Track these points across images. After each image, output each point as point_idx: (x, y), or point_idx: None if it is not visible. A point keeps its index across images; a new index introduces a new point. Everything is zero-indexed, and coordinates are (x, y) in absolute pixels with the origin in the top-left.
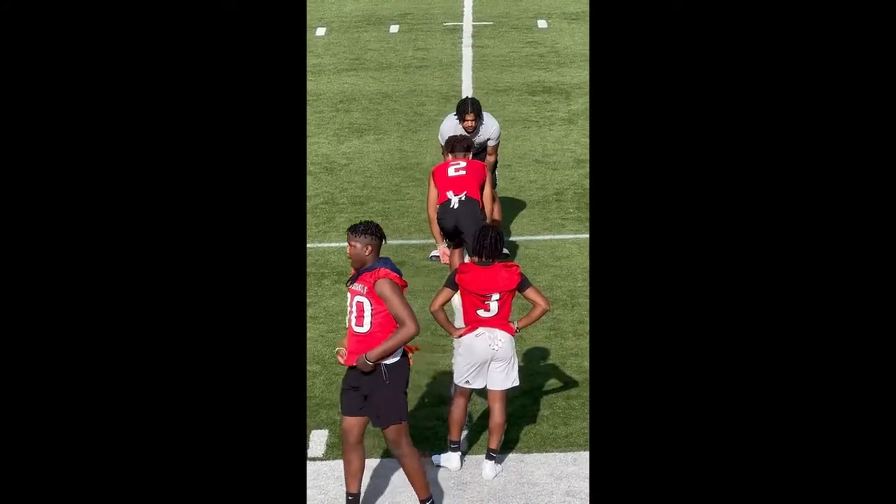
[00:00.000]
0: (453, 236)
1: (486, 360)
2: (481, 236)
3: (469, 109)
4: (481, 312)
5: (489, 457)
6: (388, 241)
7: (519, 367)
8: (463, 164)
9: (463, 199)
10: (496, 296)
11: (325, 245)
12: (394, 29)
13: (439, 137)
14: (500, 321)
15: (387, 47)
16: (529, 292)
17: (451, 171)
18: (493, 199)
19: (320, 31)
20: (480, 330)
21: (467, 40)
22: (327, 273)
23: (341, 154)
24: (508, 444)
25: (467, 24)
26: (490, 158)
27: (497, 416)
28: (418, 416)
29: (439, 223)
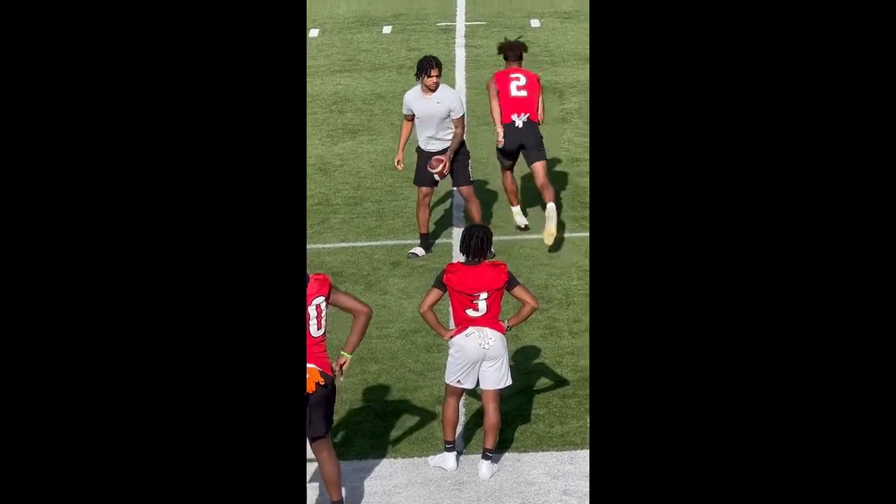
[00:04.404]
0: (514, 156)
1: (477, 360)
2: (467, 236)
3: (434, 65)
4: (470, 312)
5: (485, 456)
6: (382, 242)
7: (514, 365)
8: (523, 80)
9: (526, 120)
10: (484, 295)
11: (320, 246)
12: (387, 30)
13: (404, 109)
14: (489, 320)
15: (380, 48)
16: (517, 291)
17: (513, 90)
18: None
19: (313, 33)
20: (470, 330)
21: (460, 40)
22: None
23: (335, 155)
24: (505, 444)
25: (460, 24)
26: (458, 131)
27: (491, 416)
28: (414, 417)
29: (504, 145)
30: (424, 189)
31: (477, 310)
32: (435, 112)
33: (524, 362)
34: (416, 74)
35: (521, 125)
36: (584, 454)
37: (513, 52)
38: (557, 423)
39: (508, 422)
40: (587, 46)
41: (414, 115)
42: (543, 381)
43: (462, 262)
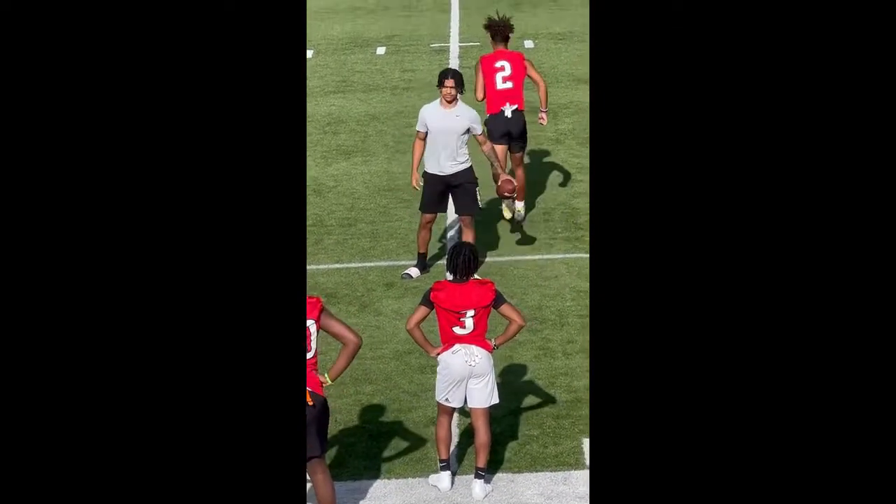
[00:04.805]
0: (502, 138)
1: (463, 377)
2: (455, 254)
3: (449, 76)
4: (457, 329)
5: (478, 475)
6: (376, 263)
7: (503, 384)
8: (508, 69)
9: (514, 110)
10: (471, 312)
11: (314, 267)
12: (380, 51)
13: (418, 125)
14: (476, 338)
15: (374, 69)
16: (504, 308)
17: (499, 83)
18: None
19: (307, 54)
20: (457, 347)
21: (454, 61)
22: (317, 294)
23: (329, 176)
24: (498, 464)
25: (454, 45)
26: (486, 147)
27: (482, 435)
28: (409, 438)
29: (490, 129)
30: (428, 216)
31: (464, 327)
32: (453, 126)
33: (518, 383)
34: (438, 85)
35: (509, 115)
36: (578, 475)
37: (500, 33)
38: (551, 444)
39: (502, 442)
40: (581, 67)
41: (427, 131)
42: (537, 402)
43: (449, 280)
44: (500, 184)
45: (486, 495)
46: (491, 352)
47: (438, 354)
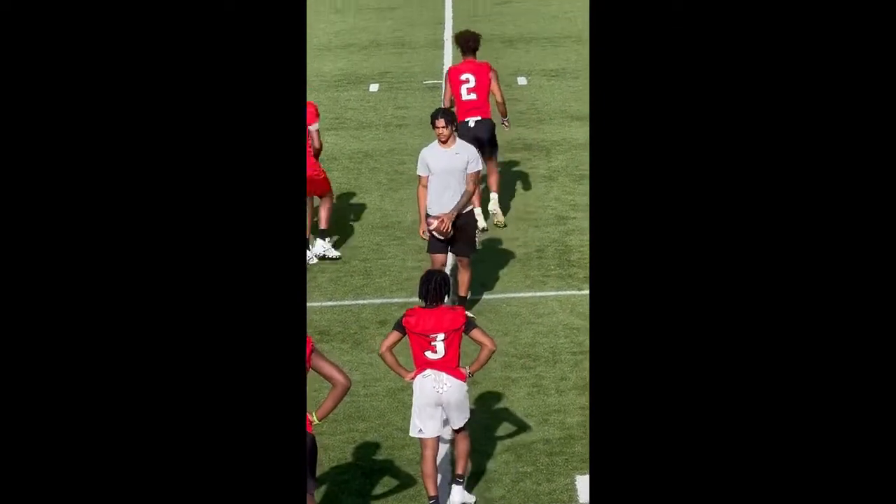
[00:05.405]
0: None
1: (432, 403)
2: (426, 281)
3: (439, 115)
4: (429, 354)
5: (456, 482)
6: (369, 300)
7: (501, 423)
8: (472, 81)
9: (478, 119)
10: (441, 336)
11: (307, 304)
12: (373, 88)
13: (419, 169)
14: (448, 364)
15: (367, 106)
16: (475, 333)
17: (464, 94)
18: (502, 99)
19: None
20: (427, 372)
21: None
22: (309, 332)
23: None
24: (492, 502)
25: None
26: (471, 188)
27: (460, 445)
28: (401, 475)
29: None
30: (440, 257)
31: (435, 352)
32: (454, 164)
33: (511, 419)
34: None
35: (472, 125)
36: None
37: (467, 46)
38: (545, 481)
39: (496, 479)
40: (574, 104)
41: (429, 174)
42: (530, 439)
43: (421, 307)
44: (428, 220)
45: (463, 500)
46: (464, 381)
47: (412, 378)
